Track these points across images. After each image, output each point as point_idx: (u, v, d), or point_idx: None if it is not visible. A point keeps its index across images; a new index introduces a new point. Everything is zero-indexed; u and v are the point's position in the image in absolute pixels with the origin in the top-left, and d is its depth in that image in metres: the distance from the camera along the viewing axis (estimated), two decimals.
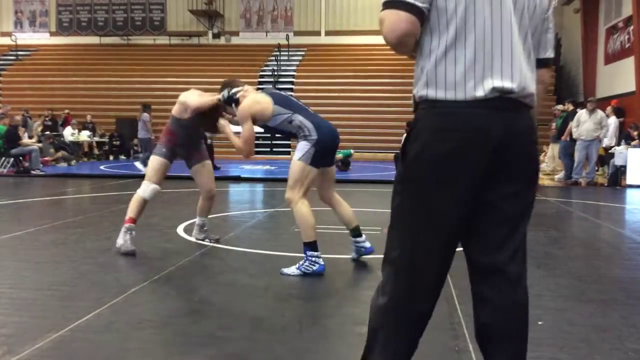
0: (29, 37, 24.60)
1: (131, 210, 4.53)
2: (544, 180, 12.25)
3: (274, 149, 18.68)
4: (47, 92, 20.61)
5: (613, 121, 12.59)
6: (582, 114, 11.27)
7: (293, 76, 21.17)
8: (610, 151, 11.92)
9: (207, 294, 3.51)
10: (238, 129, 4.24)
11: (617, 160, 11.24)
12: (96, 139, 17.74)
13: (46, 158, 14.13)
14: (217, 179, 5.07)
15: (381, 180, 10.72)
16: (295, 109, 3.98)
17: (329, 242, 4.75)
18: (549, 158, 14.34)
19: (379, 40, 1.73)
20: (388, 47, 1.71)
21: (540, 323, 2.94)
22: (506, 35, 1.63)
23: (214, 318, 3.03)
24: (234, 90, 4.21)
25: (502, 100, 1.62)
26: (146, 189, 4.55)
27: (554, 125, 13.33)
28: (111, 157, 17.79)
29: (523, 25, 1.68)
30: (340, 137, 4.18)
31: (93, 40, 24.66)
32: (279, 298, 3.45)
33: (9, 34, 24.30)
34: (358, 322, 2.87)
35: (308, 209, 3.91)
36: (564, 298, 3.47)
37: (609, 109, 12.76)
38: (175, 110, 4.61)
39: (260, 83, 19.77)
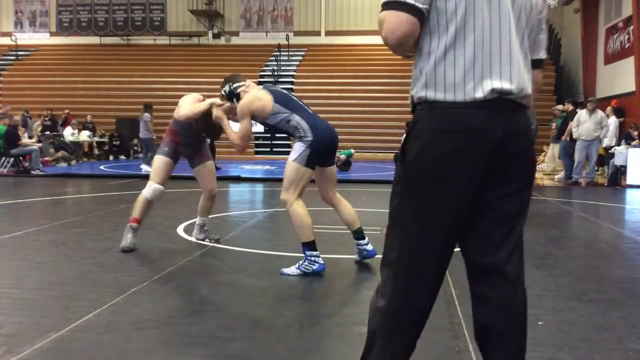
0: (29, 37, 24.61)
1: (135, 211, 4.62)
2: (544, 180, 12.26)
3: (274, 149, 18.69)
4: (47, 92, 20.61)
5: (613, 121, 12.59)
6: (582, 114, 11.27)
7: (293, 76, 21.17)
8: (610, 151, 11.92)
9: (207, 294, 3.51)
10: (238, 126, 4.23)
11: (617, 160, 11.24)
12: (96, 139, 17.75)
13: (46, 158, 14.13)
14: (218, 179, 5.07)
15: (381, 180, 10.72)
16: (293, 108, 3.97)
17: (328, 242, 4.75)
18: (549, 158, 14.34)
19: (379, 40, 1.73)
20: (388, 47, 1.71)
21: (540, 323, 2.94)
22: (505, 36, 1.63)
23: (214, 318, 3.03)
24: (235, 85, 4.21)
25: (500, 101, 1.63)
26: (148, 189, 4.58)
27: (554, 125, 13.34)
28: (111, 157, 17.80)
29: (520, 26, 1.69)
30: (340, 137, 4.17)
31: (93, 40, 24.66)
32: (279, 298, 3.45)
33: (9, 34, 24.31)
34: (358, 322, 2.87)
35: (304, 209, 3.91)
36: (564, 298, 3.47)
37: (609, 109, 12.77)
38: (175, 112, 4.63)
39: (260, 83, 19.74)
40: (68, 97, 20.43)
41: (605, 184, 11.30)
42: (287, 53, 22.24)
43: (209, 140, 5.18)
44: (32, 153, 12.41)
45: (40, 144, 13.79)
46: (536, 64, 1.79)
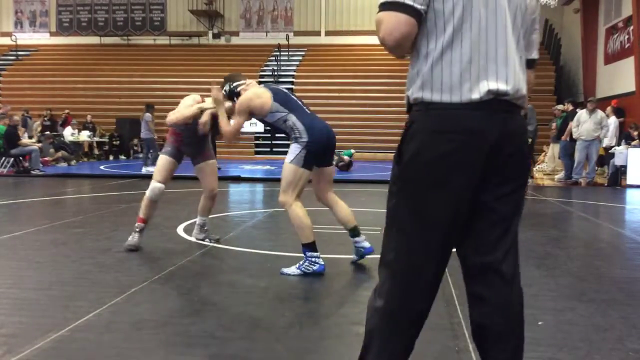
0: (29, 37, 24.59)
1: (140, 210, 4.68)
2: (544, 180, 12.26)
3: (274, 149, 18.68)
4: (47, 92, 20.60)
5: (613, 121, 12.59)
6: (582, 114, 11.27)
7: (293, 76, 21.16)
8: (610, 151, 11.92)
9: (207, 294, 3.51)
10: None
11: (617, 160, 11.24)
12: (96, 139, 17.75)
13: (46, 158, 14.13)
14: (218, 178, 5.07)
15: (381, 180, 10.71)
16: (291, 108, 3.97)
17: (328, 242, 4.75)
18: (549, 158, 14.34)
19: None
20: None
21: (540, 323, 2.94)
22: (501, 37, 1.64)
23: (214, 318, 3.03)
24: (235, 84, 4.22)
25: (496, 102, 1.63)
26: (150, 188, 4.61)
27: (554, 125, 13.34)
28: (111, 157, 17.80)
29: (516, 26, 1.69)
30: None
31: (93, 40, 24.65)
32: (279, 298, 3.45)
33: (9, 34, 24.29)
34: (357, 322, 2.87)
35: (303, 210, 3.92)
36: (564, 298, 3.47)
37: (609, 109, 12.76)
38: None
39: (260, 83, 19.69)
40: (68, 97, 20.43)
41: (605, 184, 11.30)
42: (287, 53, 22.23)
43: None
44: (32, 153, 12.41)
45: (40, 144, 13.79)
46: (529, 64, 1.80)
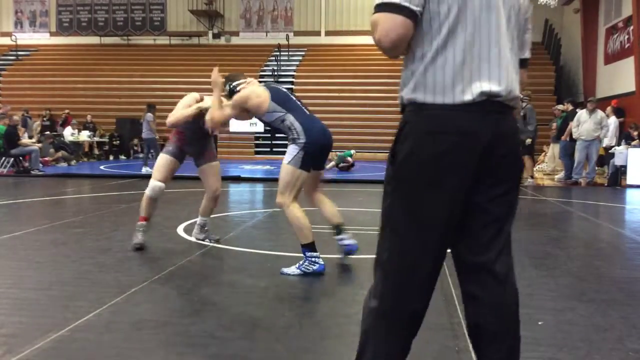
0: (29, 37, 24.59)
1: (141, 209, 4.71)
2: (544, 180, 12.26)
3: (274, 149, 18.68)
4: (47, 92, 20.60)
5: (613, 121, 12.59)
6: (582, 114, 11.27)
7: (293, 76, 21.16)
8: (610, 151, 11.92)
9: (207, 294, 3.51)
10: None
11: (617, 160, 11.25)
12: (96, 139, 17.75)
13: (46, 158, 14.13)
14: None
15: (381, 180, 10.68)
16: (290, 108, 3.97)
17: (328, 242, 4.74)
18: (549, 158, 14.33)
19: None
20: None
21: (540, 323, 2.94)
22: (495, 38, 1.64)
23: (214, 318, 3.03)
24: (235, 83, 4.23)
25: (489, 103, 1.63)
26: (150, 186, 4.63)
27: (554, 125, 13.33)
28: (111, 157, 17.79)
29: (510, 27, 1.69)
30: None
31: (93, 40, 24.65)
32: (279, 298, 3.45)
33: (9, 34, 24.29)
34: (358, 322, 2.85)
35: (300, 211, 3.92)
36: (564, 298, 3.47)
37: (609, 109, 12.76)
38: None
39: (260, 82, 19.73)
40: (68, 97, 20.43)
41: (605, 184, 11.30)
42: (287, 53, 22.23)
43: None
44: (32, 153, 12.41)
45: (40, 144, 13.79)
46: (522, 63, 1.80)
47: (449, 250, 1.76)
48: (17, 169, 12.26)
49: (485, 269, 1.73)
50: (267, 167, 14.66)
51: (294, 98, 4.12)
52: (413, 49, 1.66)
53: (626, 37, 15.67)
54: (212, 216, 5.22)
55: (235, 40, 24.02)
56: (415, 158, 1.64)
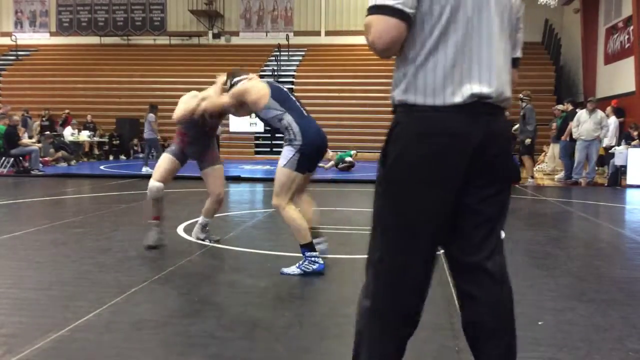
0: (29, 37, 24.60)
1: (147, 211, 4.81)
2: (544, 180, 12.26)
3: (274, 149, 18.68)
4: (47, 92, 20.60)
5: (613, 121, 12.59)
6: (582, 114, 11.27)
7: (293, 76, 21.16)
8: (610, 151, 11.92)
9: (207, 294, 3.51)
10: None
11: (617, 160, 11.25)
12: (96, 139, 17.75)
13: (46, 158, 14.13)
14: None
15: None
16: (288, 108, 3.97)
17: (328, 242, 4.74)
18: (549, 158, 14.34)
19: None
20: None
21: (540, 323, 2.94)
22: (487, 40, 1.64)
23: (214, 318, 3.03)
24: (237, 79, 4.23)
25: (480, 105, 1.64)
26: (148, 188, 4.63)
27: (554, 125, 13.34)
28: (111, 157, 17.79)
29: (503, 27, 1.70)
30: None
31: (93, 40, 24.66)
32: (279, 298, 3.45)
33: (9, 34, 24.29)
34: None
35: (296, 212, 3.94)
36: (564, 298, 3.47)
37: (609, 109, 12.77)
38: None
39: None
40: (68, 97, 20.43)
41: (605, 184, 11.30)
42: (287, 53, 22.23)
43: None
44: (32, 153, 12.41)
45: (40, 144, 13.79)
46: (513, 63, 1.80)
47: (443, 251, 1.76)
48: (17, 169, 12.26)
49: (481, 268, 1.73)
50: (267, 167, 14.66)
51: (294, 98, 4.12)
52: (405, 50, 1.66)
53: (626, 37, 15.68)
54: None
55: (235, 40, 24.02)
56: (406, 159, 1.65)
